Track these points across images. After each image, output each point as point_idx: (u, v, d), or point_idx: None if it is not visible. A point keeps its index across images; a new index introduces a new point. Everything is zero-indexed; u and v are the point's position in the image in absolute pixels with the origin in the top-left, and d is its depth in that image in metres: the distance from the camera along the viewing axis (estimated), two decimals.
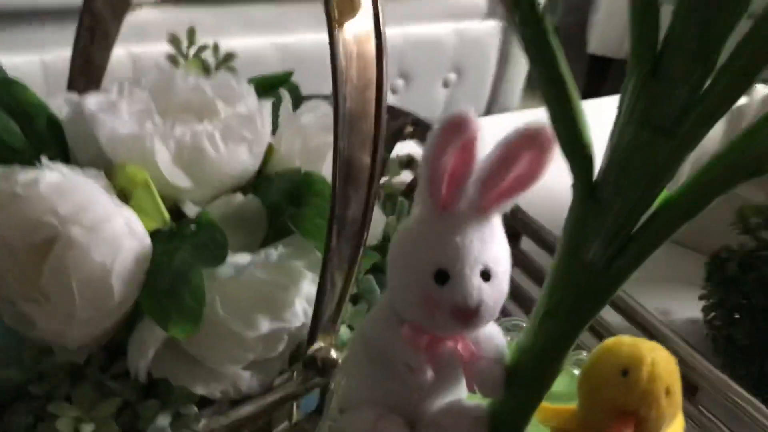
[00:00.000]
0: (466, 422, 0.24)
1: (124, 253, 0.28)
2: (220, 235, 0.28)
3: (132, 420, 0.29)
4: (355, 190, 0.28)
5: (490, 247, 0.23)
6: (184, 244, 0.29)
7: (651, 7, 0.17)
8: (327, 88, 0.28)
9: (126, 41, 1.04)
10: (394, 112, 0.46)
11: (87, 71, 0.43)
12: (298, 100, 0.40)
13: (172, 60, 0.44)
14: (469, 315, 0.22)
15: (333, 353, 0.29)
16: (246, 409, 0.29)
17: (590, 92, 1.89)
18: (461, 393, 0.25)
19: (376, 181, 0.28)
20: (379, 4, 0.28)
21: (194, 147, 0.32)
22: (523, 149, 0.21)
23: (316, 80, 0.43)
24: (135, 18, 1.05)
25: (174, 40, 0.44)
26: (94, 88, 0.41)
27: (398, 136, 0.46)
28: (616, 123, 0.19)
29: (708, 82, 0.17)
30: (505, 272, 0.23)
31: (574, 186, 0.20)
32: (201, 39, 0.45)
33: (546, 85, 0.19)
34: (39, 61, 1.03)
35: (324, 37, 0.26)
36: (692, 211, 0.18)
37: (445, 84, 1.50)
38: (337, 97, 0.26)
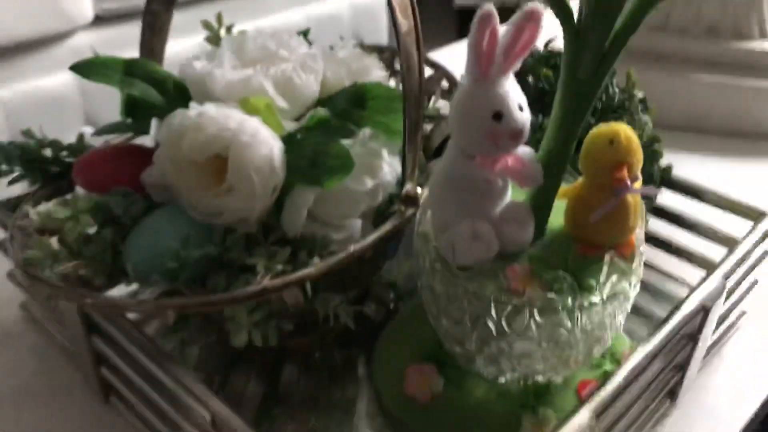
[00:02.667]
0: (523, 209, 0.40)
1: (275, 146, 0.41)
2: (337, 122, 0.42)
3: (294, 264, 0.43)
4: (413, 86, 0.42)
5: (517, 91, 0.38)
6: (311, 136, 0.43)
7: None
8: None
9: (66, 65, 1.15)
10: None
11: (150, 57, 0.55)
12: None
13: (210, 40, 0.57)
14: (521, 135, 0.37)
15: (418, 190, 0.44)
16: (372, 240, 0.43)
17: (464, 28, 2.11)
18: (509, 198, 0.40)
19: (423, 83, 0.43)
20: None
21: (286, 79, 0.46)
22: (525, 23, 0.36)
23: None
24: (72, 41, 1.16)
25: (207, 25, 0.57)
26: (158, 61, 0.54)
27: None
28: None
29: None
30: (526, 105, 0.38)
31: (564, 30, 0.36)
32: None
33: None
34: None
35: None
36: (632, 25, 0.34)
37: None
38: (397, 28, 0.40)
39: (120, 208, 0.44)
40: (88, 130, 1.24)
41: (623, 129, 0.38)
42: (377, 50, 0.63)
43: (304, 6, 1.48)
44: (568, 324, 0.37)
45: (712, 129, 0.84)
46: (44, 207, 0.46)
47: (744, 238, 0.50)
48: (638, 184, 0.39)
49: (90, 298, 0.40)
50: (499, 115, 0.36)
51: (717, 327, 0.53)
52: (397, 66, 0.63)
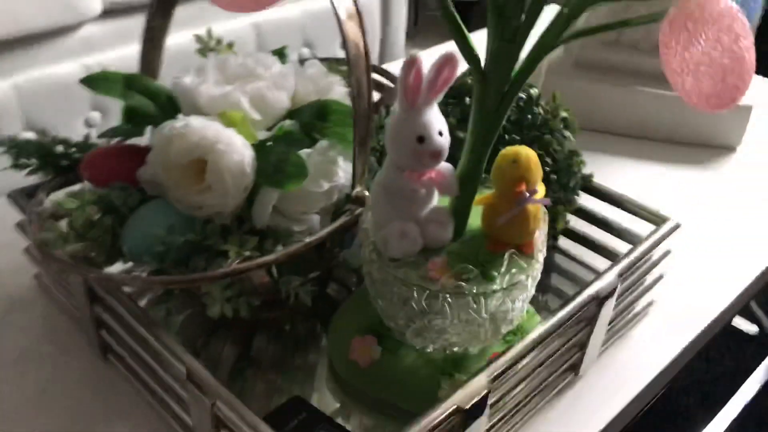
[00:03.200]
0: (444, 213, 0.49)
1: (246, 154, 0.51)
2: (299, 135, 0.52)
3: (261, 251, 0.52)
4: (362, 104, 0.51)
5: (438, 119, 0.47)
6: (277, 146, 0.52)
7: None
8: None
9: (77, 55, 1.24)
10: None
11: (149, 69, 0.64)
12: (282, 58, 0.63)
13: (201, 51, 0.66)
14: (439, 155, 0.46)
15: (365, 193, 0.53)
16: (325, 232, 0.52)
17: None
18: (434, 203, 0.50)
19: (371, 104, 0.52)
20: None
21: (260, 95, 0.55)
22: (444, 65, 0.45)
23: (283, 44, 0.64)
24: (81, 33, 1.25)
25: (200, 39, 0.66)
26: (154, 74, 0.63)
27: None
28: (487, 41, 0.43)
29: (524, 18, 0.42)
30: (447, 131, 0.47)
31: (473, 72, 0.45)
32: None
33: (451, 28, 0.43)
34: None
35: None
36: (528, 70, 0.43)
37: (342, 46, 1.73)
38: (349, 59, 0.49)
39: (119, 200, 0.53)
40: (94, 115, 1.34)
41: (524, 151, 0.47)
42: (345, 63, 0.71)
43: (304, 1, 1.57)
44: (475, 306, 0.46)
45: (656, 136, 0.93)
46: (56, 196, 0.56)
47: (644, 240, 0.59)
48: (539, 195, 0.48)
49: (92, 274, 0.50)
50: (422, 139, 0.45)
51: (622, 314, 0.62)
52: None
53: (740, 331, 1.27)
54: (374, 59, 1.77)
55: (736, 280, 0.72)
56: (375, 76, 0.69)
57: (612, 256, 0.66)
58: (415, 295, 0.47)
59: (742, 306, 0.74)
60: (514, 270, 0.48)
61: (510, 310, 0.49)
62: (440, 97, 0.46)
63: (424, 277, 0.47)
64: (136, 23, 1.32)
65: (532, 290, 0.50)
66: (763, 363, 1.22)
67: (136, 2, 1.31)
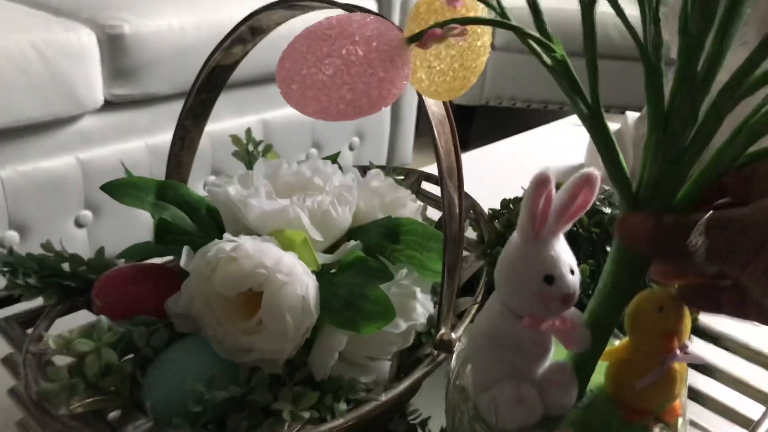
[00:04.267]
0: (568, 371, 0.38)
1: (310, 285, 0.40)
2: (376, 263, 0.41)
3: (318, 408, 0.41)
4: (454, 227, 0.42)
5: (568, 253, 0.37)
6: (345, 276, 0.41)
7: (660, 90, 0.32)
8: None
9: (73, 149, 1.15)
10: None
11: (179, 170, 0.54)
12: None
13: (238, 156, 0.57)
14: (572, 299, 0.36)
15: (453, 335, 0.42)
16: (403, 387, 0.41)
17: (461, 137, 2.19)
18: (551, 358, 0.39)
19: (463, 229, 0.43)
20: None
21: (323, 212, 0.45)
22: (581, 187, 0.36)
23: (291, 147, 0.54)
24: (79, 125, 1.16)
25: (236, 141, 0.57)
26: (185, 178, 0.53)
27: None
28: (644, 158, 0.34)
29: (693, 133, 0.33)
30: (577, 267, 0.37)
31: (621, 199, 0.35)
32: None
33: (599, 143, 0.34)
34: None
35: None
36: (692, 197, 0.34)
37: (351, 147, 1.66)
38: (441, 172, 0.40)
39: (142, 340, 0.42)
40: (86, 214, 1.23)
41: (673, 295, 0.37)
42: (404, 173, 0.63)
43: None
44: None
45: None
46: (61, 331, 0.44)
47: None
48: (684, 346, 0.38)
49: None
50: (551, 279, 0.35)
51: None
52: (424, 186, 0.63)
53: None
54: (382, 161, 1.70)
55: None
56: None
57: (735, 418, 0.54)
58: None
59: None
60: None
61: None
62: (568, 227, 0.37)
63: None
64: (138, 117, 1.25)
65: None
66: None
67: (139, 95, 1.22)
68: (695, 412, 0.56)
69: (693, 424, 0.55)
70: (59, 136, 1.16)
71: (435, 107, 0.41)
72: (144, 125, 1.24)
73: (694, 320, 0.55)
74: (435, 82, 0.35)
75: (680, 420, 0.39)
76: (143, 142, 1.25)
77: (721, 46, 0.31)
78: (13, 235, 1.14)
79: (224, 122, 1.33)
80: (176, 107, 1.26)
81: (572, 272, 0.36)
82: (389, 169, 0.59)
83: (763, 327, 0.61)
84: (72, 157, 1.17)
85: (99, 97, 1.18)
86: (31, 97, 1.07)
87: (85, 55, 1.13)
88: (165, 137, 1.26)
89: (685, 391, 0.40)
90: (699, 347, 0.56)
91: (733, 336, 0.55)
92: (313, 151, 1.55)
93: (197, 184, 1.33)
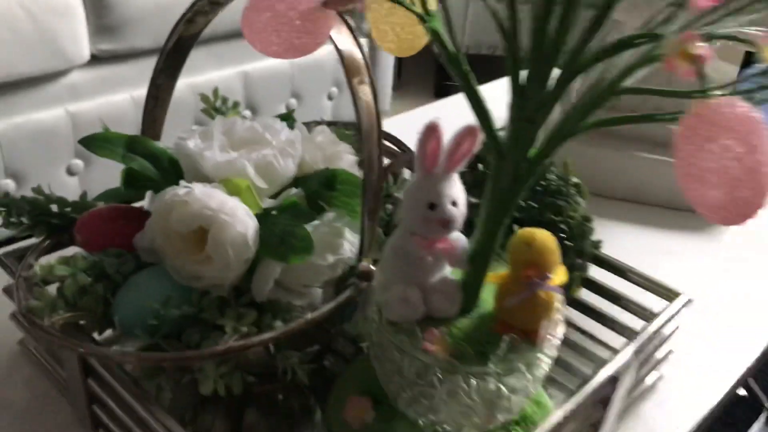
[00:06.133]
0: (452, 284, 0.47)
1: (250, 225, 0.49)
2: (305, 207, 0.50)
3: (260, 326, 0.50)
4: (372, 176, 0.50)
5: (455, 189, 0.45)
6: (281, 217, 0.50)
7: (517, 64, 0.40)
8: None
9: (62, 102, 1.22)
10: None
11: (153, 126, 0.62)
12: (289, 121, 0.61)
13: (206, 112, 0.64)
14: (449, 224, 0.45)
15: (371, 267, 0.51)
16: (326, 309, 0.50)
17: (441, 86, 2.22)
18: (446, 272, 0.48)
19: (381, 178, 0.51)
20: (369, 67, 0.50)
21: (267, 163, 0.53)
22: (465, 137, 0.44)
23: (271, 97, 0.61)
24: (68, 79, 1.23)
25: (205, 98, 0.64)
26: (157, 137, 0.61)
27: None
28: (507, 118, 0.42)
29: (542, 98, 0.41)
30: (463, 203, 0.45)
31: (491, 150, 0.43)
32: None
33: (472, 105, 0.42)
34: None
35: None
36: (544, 154, 0.42)
37: (330, 97, 1.73)
38: (362, 130, 0.48)
39: (112, 268, 0.51)
40: (77, 162, 1.31)
41: (541, 234, 0.46)
42: (354, 127, 0.70)
43: None
44: (465, 386, 0.44)
45: (656, 201, 0.93)
46: (46, 260, 0.53)
47: (658, 316, 0.58)
48: (554, 282, 0.46)
49: (83, 348, 0.47)
50: (433, 206, 0.44)
51: (633, 390, 0.60)
52: None
53: (732, 395, 1.26)
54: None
55: (745, 352, 0.70)
56: (384, 142, 0.68)
57: (621, 329, 0.64)
58: (407, 363, 0.45)
59: (743, 382, 0.73)
60: (512, 356, 0.45)
61: (506, 397, 0.46)
62: (460, 167, 0.45)
63: (418, 347, 0.45)
64: (123, 70, 1.32)
65: (535, 383, 0.48)
66: (752, 427, 1.20)
67: (124, 50, 1.29)
68: (590, 325, 0.66)
69: (583, 332, 0.65)
70: (49, 90, 1.23)
71: (364, 83, 0.49)
72: (129, 78, 1.31)
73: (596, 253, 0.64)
74: (398, 36, 0.44)
75: (541, 344, 0.47)
76: (129, 95, 1.32)
77: (562, 28, 0.39)
78: (9, 183, 1.22)
79: (207, 74, 1.39)
80: None
81: (454, 204, 0.44)
82: (340, 125, 0.67)
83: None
84: (62, 109, 1.24)
85: (85, 52, 1.25)
86: (20, 54, 1.14)
87: (71, 12, 1.19)
88: None
89: (556, 318, 0.48)
90: (607, 278, 0.65)
91: (635, 269, 0.65)
92: (293, 101, 1.62)
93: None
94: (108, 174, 1.35)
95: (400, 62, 2.16)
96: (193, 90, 1.37)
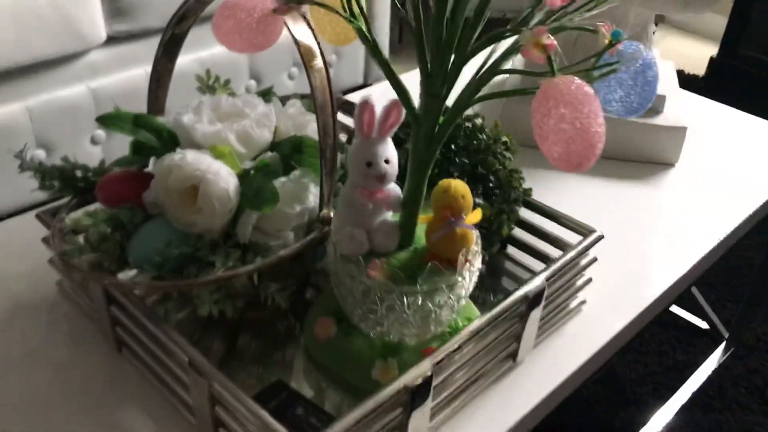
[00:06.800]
0: (390, 225, 0.60)
1: (231, 182, 0.62)
2: (273, 169, 0.63)
3: (245, 262, 0.63)
4: (328, 141, 0.62)
5: (388, 150, 0.58)
6: (256, 176, 0.63)
7: (423, 48, 0.52)
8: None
9: (84, 79, 1.36)
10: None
11: (156, 104, 0.75)
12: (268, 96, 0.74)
13: (201, 89, 0.77)
14: (383, 179, 0.58)
15: (331, 214, 0.64)
16: (294, 247, 0.63)
17: None
18: (386, 216, 0.61)
19: (336, 142, 0.63)
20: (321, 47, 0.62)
21: (245, 132, 0.66)
22: (392, 109, 0.57)
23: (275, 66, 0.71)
24: (87, 59, 1.36)
25: (199, 79, 0.77)
26: (161, 111, 0.74)
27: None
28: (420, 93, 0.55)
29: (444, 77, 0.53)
30: (395, 160, 0.58)
31: (408, 118, 0.56)
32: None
33: (393, 86, 0.55)
34: None
35: None
36: (450, 121, 0.54)
37: (330, 64, 1.84)
38: (316, 106, 0.61)
39: (126, 218, 0.64)
40: (99, 133, 1.45)
41: (455, 183, 0.58)
42: None
43: None
44: (399, 303, 0.57)
45: (602, 154, 1.04)
46: (75, 214, 0.67)
47: (570, 249, 0.70)
48: (470, 219, 0.59)
49: (106, 280, 0.61)
50: (370, 164, 0.57)
51: (556, 310, 0.73)
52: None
53: (693, 327, 1.38)
54: (359, 77, 1.88)
55: (656, 284, 0.83)
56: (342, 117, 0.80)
57: (549, 261, 0.77)
58: (355, 287, 0.59)
59: (663, 308, 0.85)
60: (436, 278, 0.58)
61: (433, 311, 0.59)
62: (392, 132, 0.58)
63: (362, 274, 0.58)
64: (137, 49, 1.45)
65: (458, 300, 0.61)
66: (711, 355, 1.33)
67: (137, 30, 1.42)
68: (520, 256, 0.79)
69: (514, 260, 0.79)
70: (71, 69, 1.37)
71: (317, 65, 0.61)
72: (142, 55, 1.45)
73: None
74: (335, 30, 0.57)
75: (460, 269, 0.60)
76: (143, 70, 1.46)
77: (454, 18, 0.51)
78: (40, 153, 1.37)
79: (211, 49, 1.53)
80: None
81: (387, 162, 0.57)
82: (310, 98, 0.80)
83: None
84: (84, 86, 1.38)
85: (102, 33, 1.38)
86: (45, 38, 1.28)
87: None
88: None
89: (474, 250, 0.60)
90: (537, 220, 0.78)
91: (557, 210, 0.77)
92: (252, 82, 1.73)
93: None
94: (126, 143, 1.50)
95: (400, 27, 2.26)
96: (200, 64, 1.50)
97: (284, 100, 0.74)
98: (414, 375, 0.56)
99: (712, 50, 2.46)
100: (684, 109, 1.06)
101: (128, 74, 1.44)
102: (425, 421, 0.60)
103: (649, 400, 1.21)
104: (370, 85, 1.93)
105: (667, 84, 1.10)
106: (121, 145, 1.48)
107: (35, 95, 1.33)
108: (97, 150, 1.46)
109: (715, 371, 1.29)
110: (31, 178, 0.69)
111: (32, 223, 0.72)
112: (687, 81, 2.41)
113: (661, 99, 1.04)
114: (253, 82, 1.67)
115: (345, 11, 0.54)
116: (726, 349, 1.34)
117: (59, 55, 1.33)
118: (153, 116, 0.68)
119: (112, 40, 1.41)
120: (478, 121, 0.74)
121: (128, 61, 1.44)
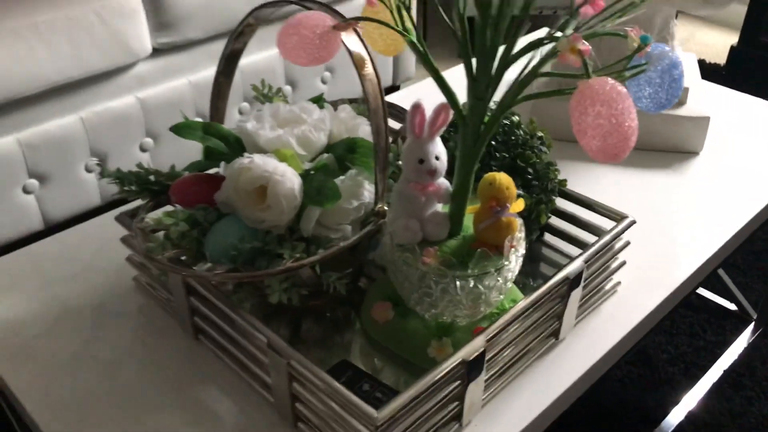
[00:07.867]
0: (441, 216, 0.67)
1: (296, 182, 0.69)
2: (333, 166, 0.70)
3: (309, 253, 0.70)
4: (381, 142, 0.69)
5: (438, 147, 0.64)
6: (317, 175, 0.70)
7: (468, 55, 0.59)
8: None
9: (132, 90, 1.44)
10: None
11: (217, 113, 0.82)
12: (320, 102, 0.81)
13: (257, 99, 0.84)
14: (434, 174, 0.64)
15: (385, 207, 0.70)
16: (354, 239, 0.70)
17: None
18: (437, 207, 0.67)
19: (388, 143, 0.70)
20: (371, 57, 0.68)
21: (305, 136, 0.73)
22: (441, 110, 0.63)
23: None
24: (135, 71, 1.44)
25: (255, 88, 0.84)
26: (221, 120, 0.81)
27: None
28: (467, 96, 0.61)
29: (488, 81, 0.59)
30: (444, 157, 0.64)
31: (456, 117, 0.62)
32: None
33: (442, 90, 0.61)
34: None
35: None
36: (495, 120, 0.60)
37: (323, 81, 1.89)
38: (370, 111, 0.67)
39: (202, 217, 0.71)
40: (148, 141, 1.53)
41: (500, 176, 0.64)
42: None
43: None
44: (452, 286, 0.63)
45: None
46: (153, 215, 0.74)
47: (605, 234, 0.76)
48: (514, 208, 0.65)
49: (187, 273, 0.68)
50: (422, 161, 0.63)
51: (593, 291, 0.79)
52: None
53: (722, 309, 1.43)
54: (389, 78, 1.94)
55: (685, 265, 0.88)
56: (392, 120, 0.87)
57: (584, 246, 0.83)
58: (411, 273, 0.65)
59: (692, 289, 0.91)
60: (485, 263, 0.64)
61: (483, 293, 0.66)
62: (441, 131, 0.64)
63: (418, 261, 0.64)
64: (181, 59, 1.53)
65: (505, 282, 0.67)
66: (740, 336, 1.38)
67: (180, 41, 1.50)
68: (557, 242, 0.85)
69: (551, 247, 0.84)
70: (120, 81, 1.45)
71: (369, 73, 0.68)
72: (186, 66, 1.52)
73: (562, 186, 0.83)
74: (385, 42, 0.64)
75: (507, 253, 0.66)
76: (187, 80, 1.53)
77: (497, 29, 0.57)
78: (93, 161, 1.46)
79: (251, 57, 1.60)
80: (211, 49, 1.53)
81: (437, 158, 0.64)
82: (360, 101, 0.86)
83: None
84: (132, 96, 1.46)
85: (148, 46, 1.46)
86: (96, 53, 1.36)
87: (134, 13, 1.40)
88: (203, 74, 1.54)
89: (518, 236, 0.67)
90: (573, 208, 0.84)
91: (592, 199, 0.83)
92: (327, 74, 1.80)
93: (233, 109, 1.61)
94: (172, 149, 1.59)
95: (425, 29, 2.32)
96: (239, 71, 1.57)
97: (334, 105, 0.81)
98: (469, 350, 0.63)
99: (732, 39, 2.49)
100: (706, 99, 1.11)
101: (173, 84, 1.52)
102: (480, 392, 0.66)
103: (682, 380, 1.26)
104: (399, 86, 1.99)
105: (690, 75, 1.15)
106: (168, 151, 1.56)
107: (89, 107, 1.41)
108: (146, 156, 1.54)
109: (744, 350, 1.33)
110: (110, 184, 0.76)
111: (105, 226, 0.79)
112: (708, 70, 2.45)
113: (685, 91, 1.09)
114: (288, 87, 1.74)
115: (397, 26, 0.60)
116: (755, 330, 1.38)
117: (109, 68, 1.41)
118: (220, 124, 0.75)
119: (157, 52, 1.49)
120: (516, 118, 0.81)
121: (173, 71, 1.51)
